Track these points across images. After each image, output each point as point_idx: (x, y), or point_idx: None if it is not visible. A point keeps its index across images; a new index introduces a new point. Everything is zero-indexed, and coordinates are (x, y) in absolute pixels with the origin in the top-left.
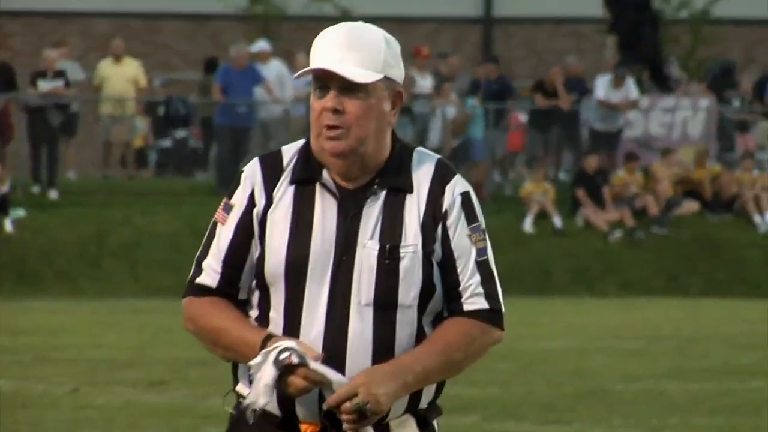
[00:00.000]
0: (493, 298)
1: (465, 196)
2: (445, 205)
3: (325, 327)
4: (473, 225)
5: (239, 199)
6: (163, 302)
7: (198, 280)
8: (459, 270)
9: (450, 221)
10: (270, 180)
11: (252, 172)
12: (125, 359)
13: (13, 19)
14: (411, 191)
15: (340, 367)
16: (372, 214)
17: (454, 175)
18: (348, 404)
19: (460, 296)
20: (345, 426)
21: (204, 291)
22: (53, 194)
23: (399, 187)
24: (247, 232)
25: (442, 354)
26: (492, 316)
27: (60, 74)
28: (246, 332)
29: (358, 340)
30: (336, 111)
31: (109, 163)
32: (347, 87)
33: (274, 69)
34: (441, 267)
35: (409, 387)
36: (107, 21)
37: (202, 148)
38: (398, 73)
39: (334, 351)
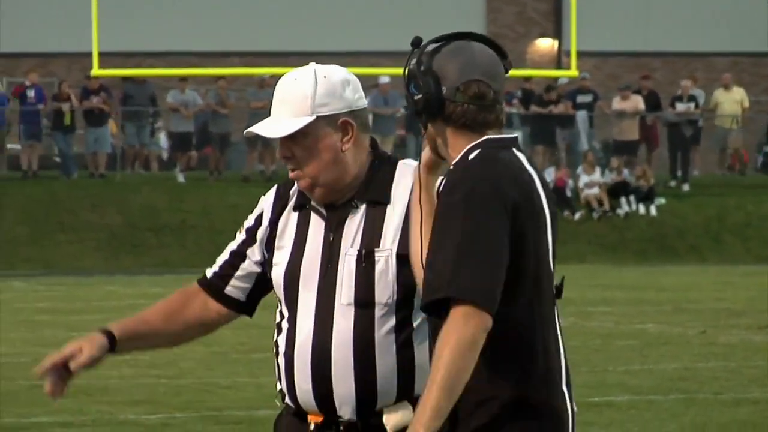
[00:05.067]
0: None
1: None
2: None
3: (314, 326)
4: None
5: (251, 218)
6: None
7: (206, 270)
8: None
9: None
10: (277, 205)
11: (266, 197)
12: (740, 309)
13: (654, 58)
14: (389, 201)
15: (327, 359)
16: (353, 225)
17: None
18: None
19: None
20: None
21: (200, 278)
22: (685, 187)
23: (376, 200)
24: (247, 243)
25: None
26: None
27: (692, 98)
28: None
29: (341, 335)
30: (286, 157)
31: (724, 164)
32: (288, 137)
33: None
34: None
35: None
36: (725, 59)
37: None
38: (337, 105)
39: (322, 346)
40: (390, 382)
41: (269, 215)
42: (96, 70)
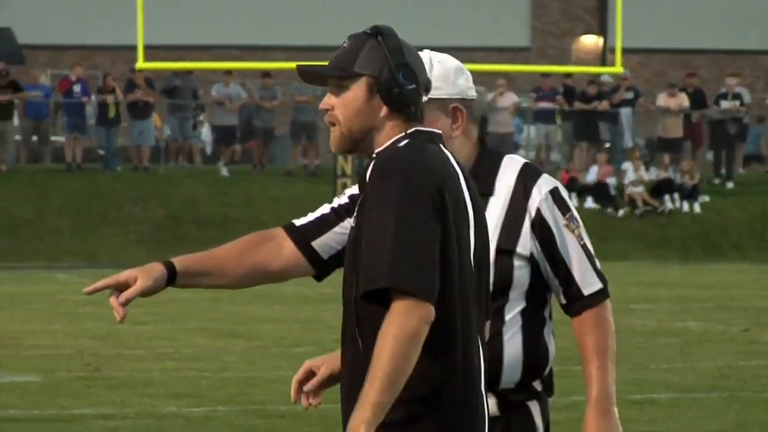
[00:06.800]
0: (602, 275)
1: (554, 192)
2: (536, 204)
3: None
4: (567, 215)
5: (356, 187)
6: None
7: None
8: (567, 260)
9: (545, 217)
10: None
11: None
12: None
13: (699, 55)
14: (492, 193)
15: None
16: None
17: (539, 175)
18: None
19: (575, 281)
20: None
21: (286, 224)
22: (729, 185)
23: (480, 191)
24: (348, 208)
25: (610, 358)
26: (606, 291)
27: (737, 96)
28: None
29: None
30: None
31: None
32: None
33: None
34: (548, 259)
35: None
36: None
37: None
38: (449, 90)
39: None
40: None
41: None
42: (141, 63)
